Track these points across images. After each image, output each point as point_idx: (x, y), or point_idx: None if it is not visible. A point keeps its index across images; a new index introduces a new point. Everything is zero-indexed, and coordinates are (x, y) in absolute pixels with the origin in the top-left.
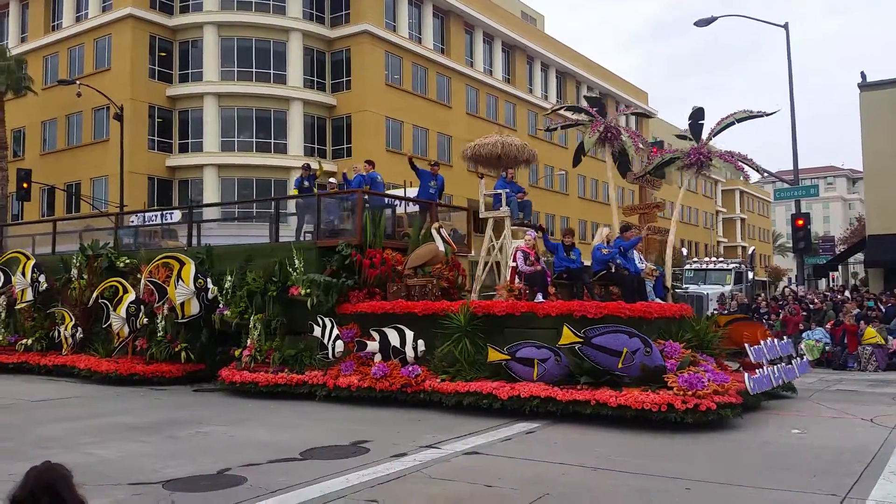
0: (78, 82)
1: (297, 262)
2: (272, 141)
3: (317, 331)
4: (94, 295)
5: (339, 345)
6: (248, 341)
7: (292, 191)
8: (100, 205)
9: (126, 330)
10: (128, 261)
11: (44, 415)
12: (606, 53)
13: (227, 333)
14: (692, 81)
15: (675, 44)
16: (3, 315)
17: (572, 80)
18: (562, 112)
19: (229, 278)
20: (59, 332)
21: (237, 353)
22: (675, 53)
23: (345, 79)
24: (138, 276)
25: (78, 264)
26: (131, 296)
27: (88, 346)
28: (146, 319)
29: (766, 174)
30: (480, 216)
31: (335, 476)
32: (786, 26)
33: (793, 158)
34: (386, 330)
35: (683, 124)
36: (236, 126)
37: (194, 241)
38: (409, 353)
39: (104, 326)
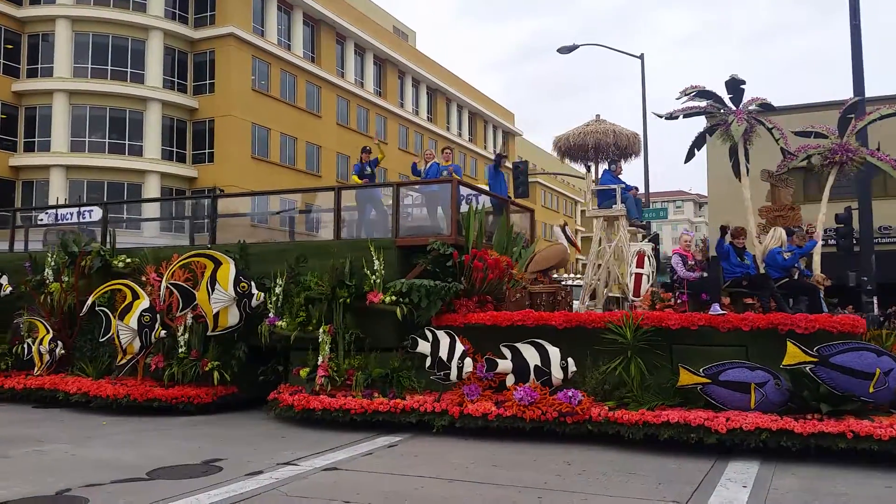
0: None
1: (376, 263)
2: (127, 142)
3: (422, 346)
4: (90, 301)
5: (468, 363)
6: (321, 359)
7: (352, 178)
8: None
9: (137, 345)
10: (128, 260)
11: None
12: (474, 74)
13: (270, 350)
14: (556, 106)
15: (540, 69)
16: None
17: (442, 96)
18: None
19: (279, 282)
20: (26, 348)
21: (303, 373)
22: (539, 79)
23: (208, 81)
24: (142, 278)
25: (54, 264)
26: (144, 303)
27: (71, 365)
28: (163, 332)
29: None
30: (588, 215)
31: (184, 496)
32: (641, 57)
33: (644, 182)
34: (519, 346)
35: (547, 145)
36: (88, 125)
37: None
38: (557, 373)
39: (102, 340)
